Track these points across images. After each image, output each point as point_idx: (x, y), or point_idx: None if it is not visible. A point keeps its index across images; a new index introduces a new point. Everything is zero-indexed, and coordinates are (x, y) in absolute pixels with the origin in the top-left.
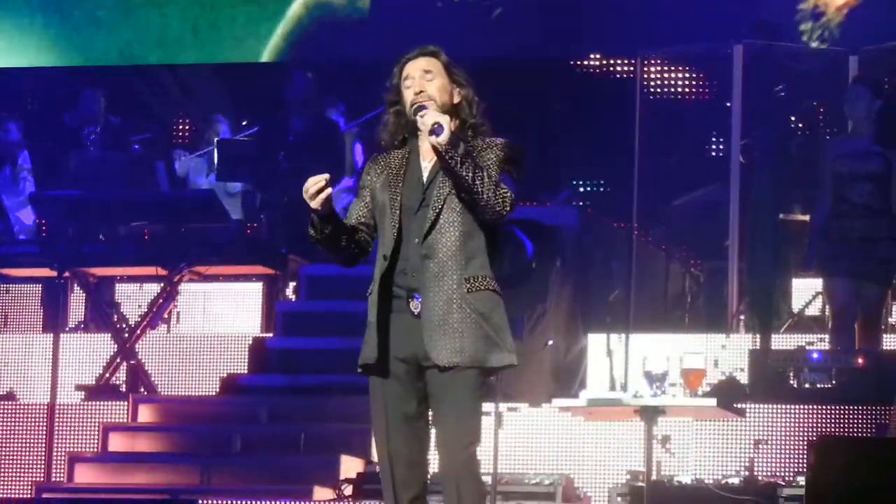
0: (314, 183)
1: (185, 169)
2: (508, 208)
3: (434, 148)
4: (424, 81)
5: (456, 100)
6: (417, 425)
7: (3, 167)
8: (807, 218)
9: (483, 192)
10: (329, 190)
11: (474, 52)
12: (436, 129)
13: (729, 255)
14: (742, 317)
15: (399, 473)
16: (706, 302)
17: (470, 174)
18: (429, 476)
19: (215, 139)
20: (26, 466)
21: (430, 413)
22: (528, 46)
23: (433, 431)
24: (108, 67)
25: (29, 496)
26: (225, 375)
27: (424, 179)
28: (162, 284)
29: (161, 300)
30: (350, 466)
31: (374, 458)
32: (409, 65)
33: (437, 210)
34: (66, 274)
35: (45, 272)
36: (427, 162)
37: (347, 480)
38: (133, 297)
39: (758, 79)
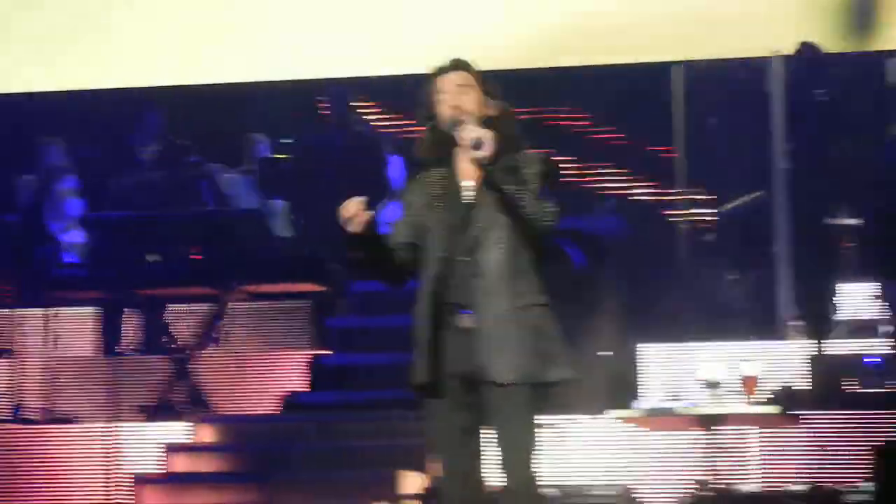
0: (349, 207)
1: (227, 188)
2: (552, 221)
3: (476, 162)
4: (459, 95)
5: (490, 112)
6: (473, 440)
7: (48, 191)
8: (857, 221)
9: (527, 206)
10: (366, 213)
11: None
12: (477, 144)
13: (779, 260)
14: (798, 322)
15: (457, 488)
16: (760, 308)
17: (513, 188)
18: (487, 490)
19: (257, 157)
20: (89, 489)
21: (486, 427)
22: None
23: (490, 445)
24: (153, 87)
25: None
26: (282, 393)
27: (468, 198)
28: (212, 304)
29: (212, 320)
30: (408, 482)
31: (432, 473)
32: (442, 79)
33: (483, 228)
34: (116, 296)
35: (96, 294)
36: (469, 181)
37: (405, 496)
38: (184, 317)
39: (800, 83)
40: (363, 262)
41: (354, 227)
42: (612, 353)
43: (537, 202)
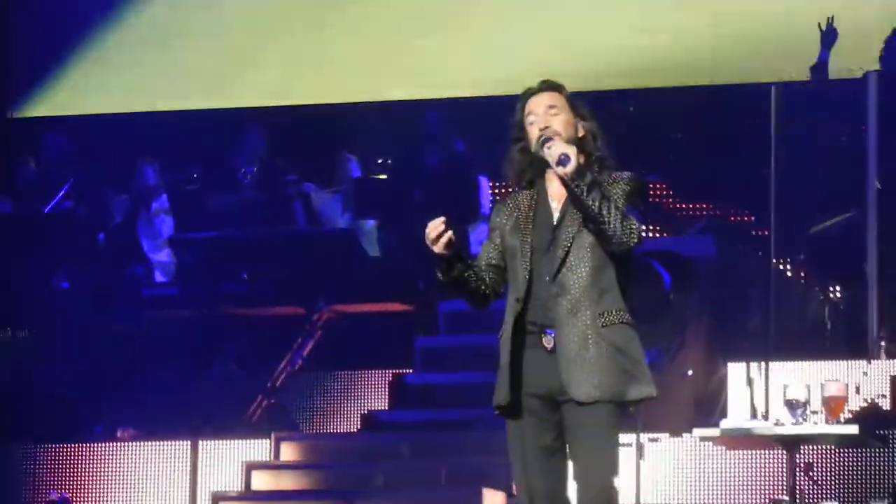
0: (433, 228)
1: (320, 207)
2: (636, 239)
3: (561, 179)
4: (549, 116)
5: (580, 133)
6: (555, 459)
7: (140, 210)
8: None
9: (610, 222)
10: (449, 233)
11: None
12: (562, 160)
13: (868, 280)
14: (883, 343)
15: None
16: (846, 328)
17: (597, 204)
18: None
19: (350, 177)
20: None
21: (568, 447)
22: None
23: (571, 465)
24: (249, 108)
25: None
26: (365, 412)
27: (554, 220)
28: (301, 323)
29: (300, 339)
30: (492, 500)
31: (517, 493)
32: (532, 100)
33: (567, 247)
34: (206, 314)
35: (186, 313)
36: (556, 202)
37: None
38: (273, 336)
39: (893, 102)
40: (449, 282)
41: (438, 247)
42: (700, 371)
43: (621, 218)
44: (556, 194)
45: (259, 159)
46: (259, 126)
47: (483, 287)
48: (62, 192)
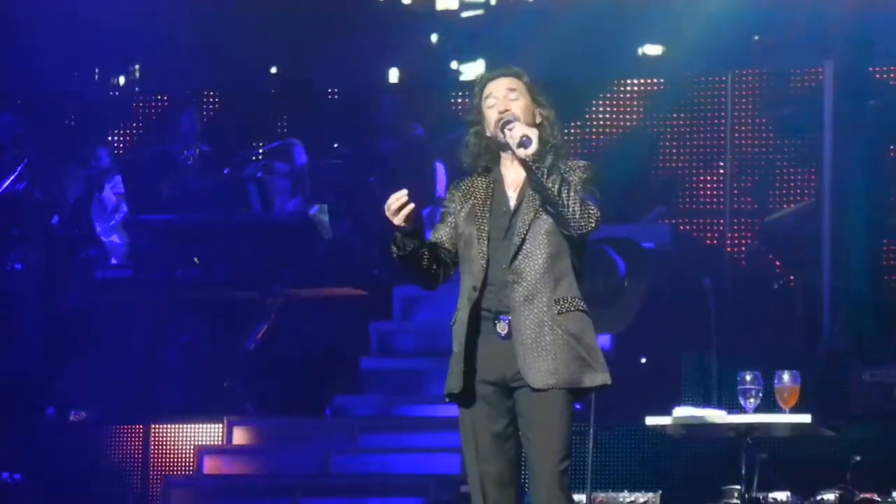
0: (396, 199)
1: (274, 192)
2: (594, 224)
3: (521, 161)
4: (508, 100)
5: (538, 120)
6: (507, 445)
7: (94, 193)
8: None
9: (569, 205)
10: (411, 206)
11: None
12: (524, 141)
13: (823, 270)
14: (837, 332)
15: (490, 494)
16: (801, 318)
17: (556, 186)
18: (520, 496)
19: (299, 162)
20: (122, 489)
21: (521, 433)
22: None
23: (523, 451)
24: (193, 91)
25: None
26: (318, 396)
27: (511, 207)
28: (256, 308)
29: (254, 323)
30: (444, 487)
31: (469, 479)
32: (492, 84)
33: (523, 235)
34: (161, 298)
35: (140, 296)
36: (513, 191)
37: (441, 501)
38: (226, 319)
39: (850, 94)
40: (403, 257)
41: (398, 219)
42: (654, 359)
43: (578, 202)
44: (512, 182)
45: (198, 142)
46: (192, 109)
47: (434, 266)
48: (16, 173)
